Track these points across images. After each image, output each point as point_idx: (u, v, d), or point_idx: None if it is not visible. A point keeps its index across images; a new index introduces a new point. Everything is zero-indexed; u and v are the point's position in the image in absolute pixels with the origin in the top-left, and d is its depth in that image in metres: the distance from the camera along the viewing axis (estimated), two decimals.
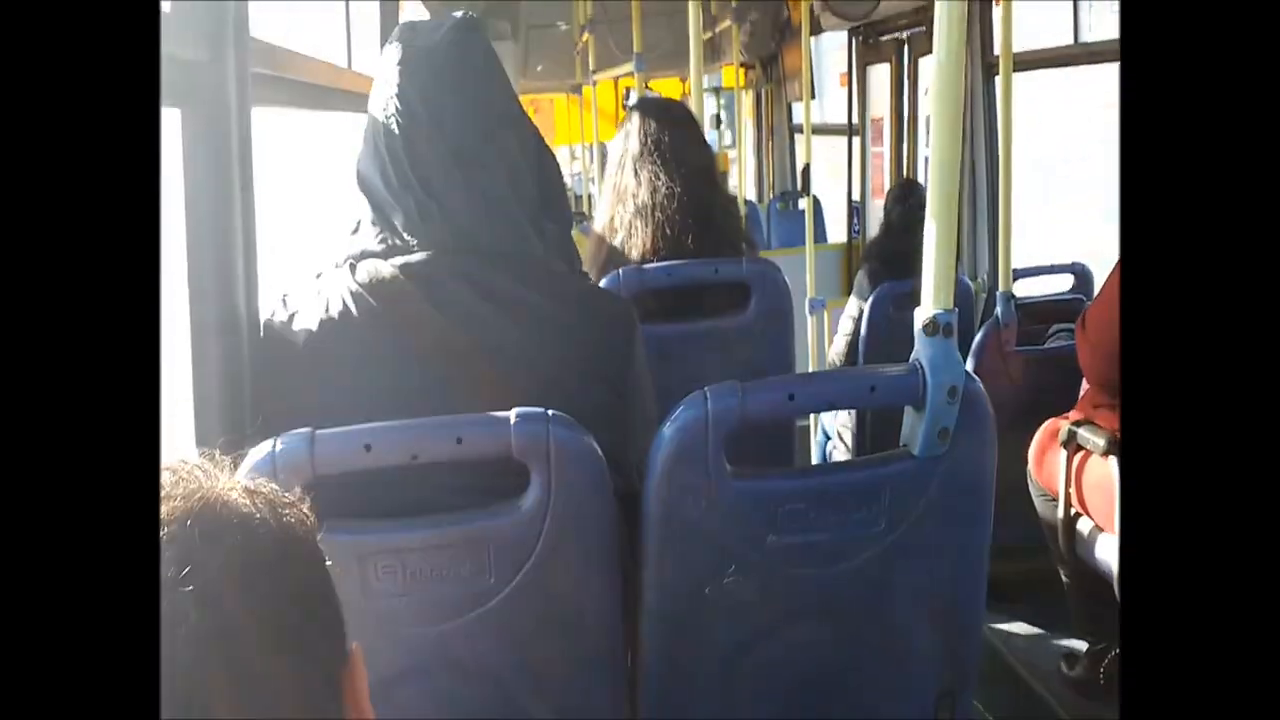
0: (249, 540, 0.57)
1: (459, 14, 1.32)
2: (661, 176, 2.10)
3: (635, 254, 2.08)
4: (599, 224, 2.21)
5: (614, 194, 2.17)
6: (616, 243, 2.11)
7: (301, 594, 0.60)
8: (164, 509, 0.56)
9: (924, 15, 4.24)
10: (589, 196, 7.12)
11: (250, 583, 0.56)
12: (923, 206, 1.19)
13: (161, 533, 0.54)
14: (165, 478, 0.58)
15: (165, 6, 1.16)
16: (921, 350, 1.20)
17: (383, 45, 1.32)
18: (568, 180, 7.48)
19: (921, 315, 1.20)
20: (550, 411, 1.13)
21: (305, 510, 0.63)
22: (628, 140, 2.17)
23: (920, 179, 4.54)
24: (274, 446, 1.08)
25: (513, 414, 1.12)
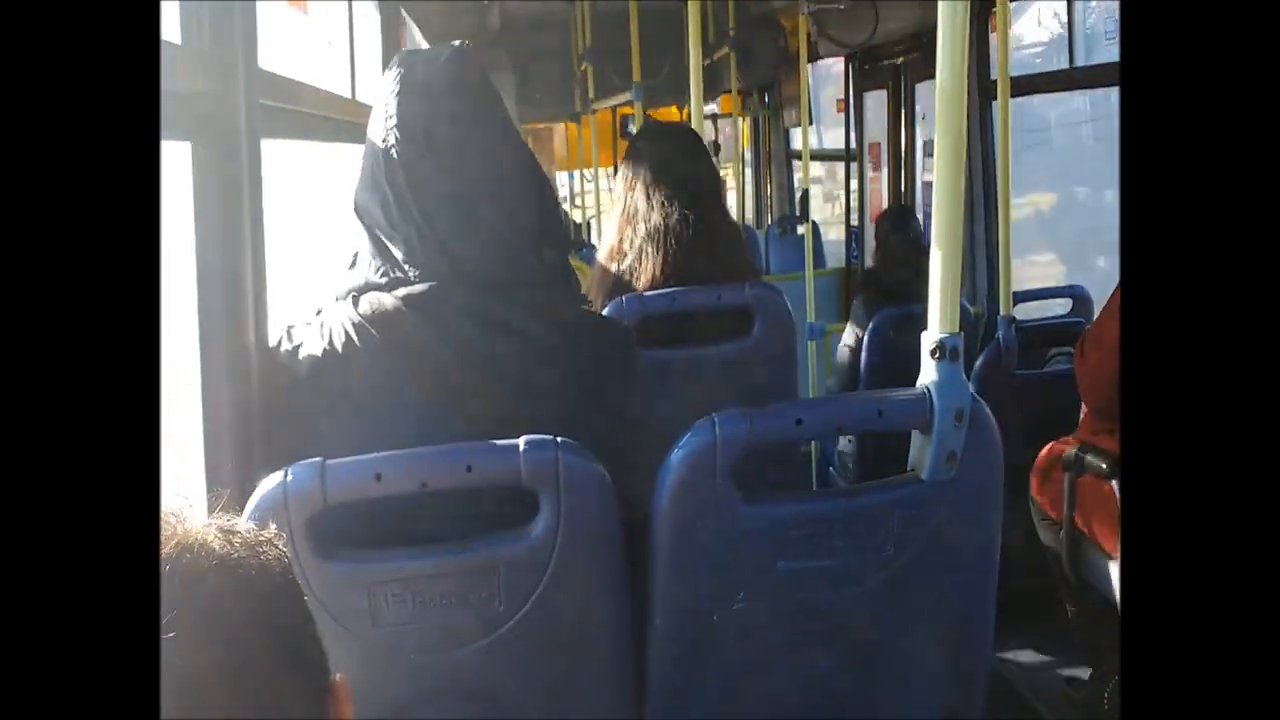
0: (228, 582, 0.58)
1: (457, 43, 1.33)
2: (673, 201, 2.11)
3: (644, 278, 2.08)
4: (605, 248, 2.22)
5: (623, 218, 2.18)
6: (624, 266, 2.12)
7: (283, 630, 0.60)
8: None
9: (920, 42, 4.27)
10: (587, 225, 7.15)
11: (231, 624, 0.57)
12: (919, 236, 1.20)
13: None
14: None
15: (175, 39, 1.17)
16: (928, 374, 1.21)
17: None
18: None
19: (928, 339, 1.21)
20: (558, 438, 1.13)
21: (281, 548, 0.63)
22: (638, 164, 2.18)
23: (918, 204, 4.56)
24: (285, 477, 1.08)
25: (521, 441, 1.12)
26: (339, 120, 2.01)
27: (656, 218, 2.11)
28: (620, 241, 2.16)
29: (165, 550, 0.56)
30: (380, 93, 1.28)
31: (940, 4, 1.17)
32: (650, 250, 2.09)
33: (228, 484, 1.15)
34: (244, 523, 0.63)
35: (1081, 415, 2.27)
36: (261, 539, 0.62)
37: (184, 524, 0.59)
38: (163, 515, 0.59)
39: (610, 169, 6.71)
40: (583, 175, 7.09)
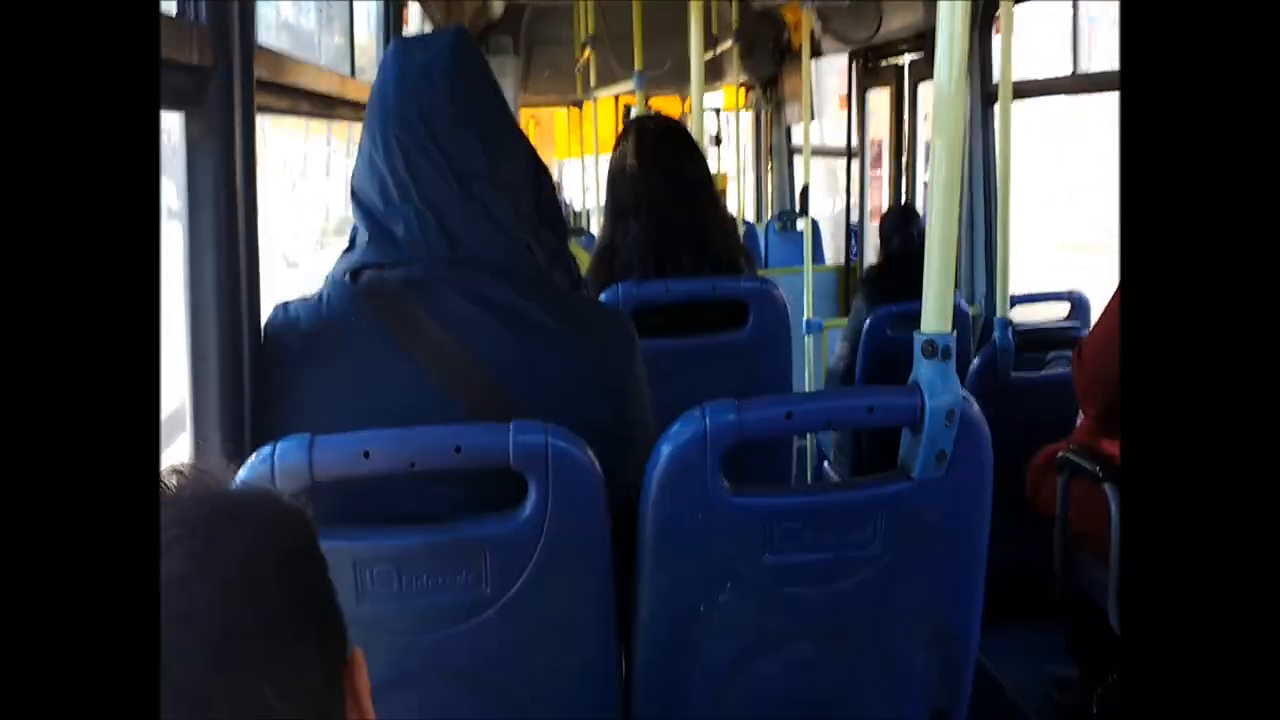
0: (256, 542, 0.58)
1: (455, 28, 1.33)
2: (659, 194, 2.11)
3: (634, 271, 2.08)
4: (599, 242, 2.22)
5: (613, 213, 2.18)
6: (617, 261, 2.12)
7: (306, 596, 0.60)
8: (173, 510, 0.56)
9: (924, 41, 4.26)
10: (586, 212, 7.15)
11: (257, 585, 0.56)
12: (923, 235, 1.20)
13: (171, 533, 0.55)
14: (174, 480, 0.58)
15: (170, 9, 1.16)
16: (920, 372, 1.20)
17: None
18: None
19: (920, 337, 1.21)
20: (548, 423, 1.13)
21: (309, 514, 0.63)
22: (625, 159, 2.17)
23: (919, 203, 4.56)
24: (273, 451, 1.08)
25: (512, 424, 1.12)
26: (337, 97, 2.00)
27: (644, 213, 2.10)
28: (612, 237, 2.16)
29: (197, 506, 0.56)
30: (379, 77, 1.28)
31: (939, 5, 1.17)
32: (640, 245, 2.09)
33: (215, 458, 1.14)
34: (273, 487, 0.63)
35: (1079, 420, 2.27)
36: (289, 504, 0.62)
37: (217, 482, 0.59)
38: (195, 472, 0.59)
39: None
40: (583, 162, 7.08)
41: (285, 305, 1.26)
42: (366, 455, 1.09)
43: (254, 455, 1.08)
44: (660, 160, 2.14)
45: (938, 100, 1.19)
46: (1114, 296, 2.05)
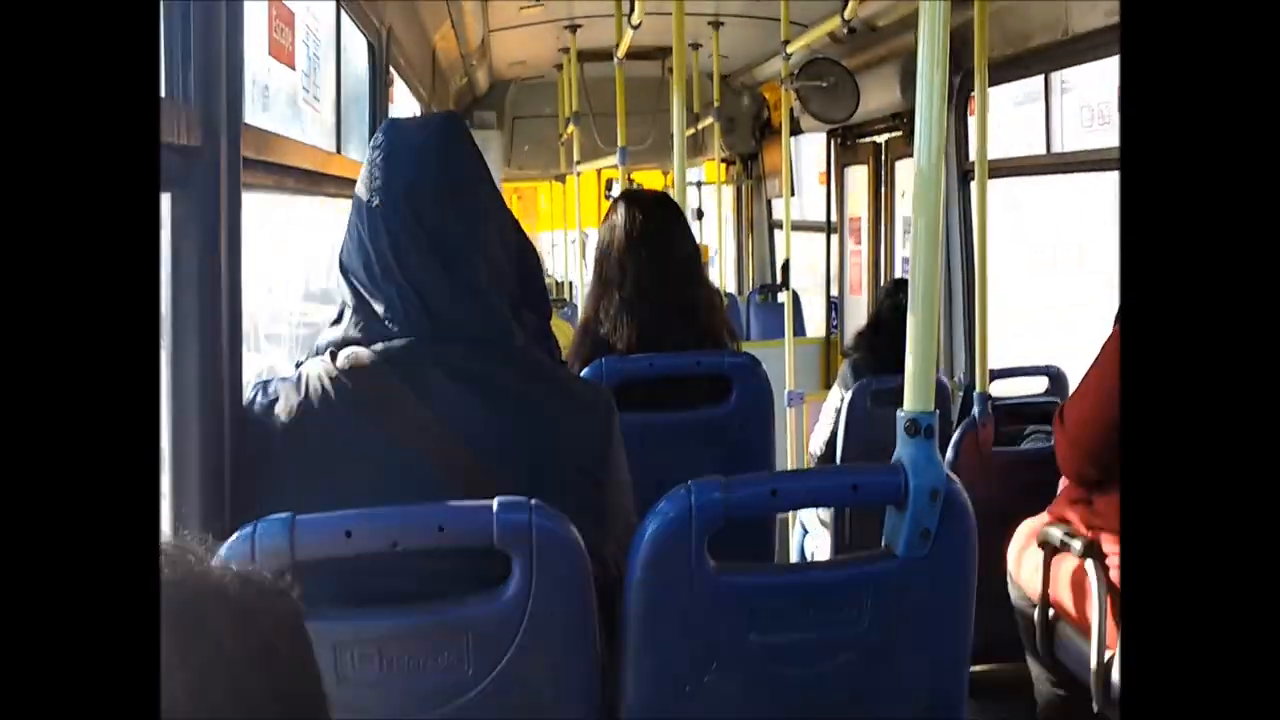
0: (241, 628, 0.57)
1: (445, 111, 1.35)
2: (647, 268, 2.12)
3: (620, 345, 2.09)
4: (583, 314, 2.22)
5: (599, 285, 2.18)
6: (601, 333, 2.12)
7: (292, 683, 0.59)
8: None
9: (900, 120, 4.35)
10: (570, 284, 7.19)
11: (242, 671, 0.55)
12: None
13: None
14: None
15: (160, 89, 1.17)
16: (903, 451, 1.21)
17: (371, 130, 1.34)
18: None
19: (903, 416, 1.21)
20: (533, 500, 1.12)
21: (295, 599, 0.62)
22: (614, 231, 2.19)
23: (898, 275, 4.61)
24: (253, 531, 1.07)
25: (495, 502, 1.11)
26: (323, 174, 2.01)
27: (630, 285, 2.11)
28: (597, 310, 2.16)
29: (180, 590, 0.55)
30: (368, 156, 1.30)
31: (918, 89, 1.20)
32: (625, 317, 2.10)
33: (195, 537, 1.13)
34: (260, 570, 0.62)
35: (1059, 491, 2.27)
36: (276, 588, 0.61)
37: (198, 564, 0.58)
38: (179, 553, 0.58)
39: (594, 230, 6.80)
40: (566, 235, 7.15)
41: (265, 384, 1.25)
42: (348, 535, 1.08)
43: (234, 535, 1.07)
44: (648, 235, 2.15)
45: (917, 180, 1.22)
46: (1095, 362, 2.07)
